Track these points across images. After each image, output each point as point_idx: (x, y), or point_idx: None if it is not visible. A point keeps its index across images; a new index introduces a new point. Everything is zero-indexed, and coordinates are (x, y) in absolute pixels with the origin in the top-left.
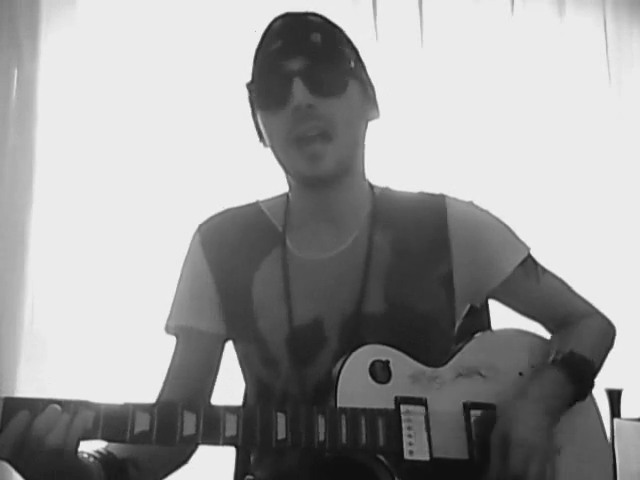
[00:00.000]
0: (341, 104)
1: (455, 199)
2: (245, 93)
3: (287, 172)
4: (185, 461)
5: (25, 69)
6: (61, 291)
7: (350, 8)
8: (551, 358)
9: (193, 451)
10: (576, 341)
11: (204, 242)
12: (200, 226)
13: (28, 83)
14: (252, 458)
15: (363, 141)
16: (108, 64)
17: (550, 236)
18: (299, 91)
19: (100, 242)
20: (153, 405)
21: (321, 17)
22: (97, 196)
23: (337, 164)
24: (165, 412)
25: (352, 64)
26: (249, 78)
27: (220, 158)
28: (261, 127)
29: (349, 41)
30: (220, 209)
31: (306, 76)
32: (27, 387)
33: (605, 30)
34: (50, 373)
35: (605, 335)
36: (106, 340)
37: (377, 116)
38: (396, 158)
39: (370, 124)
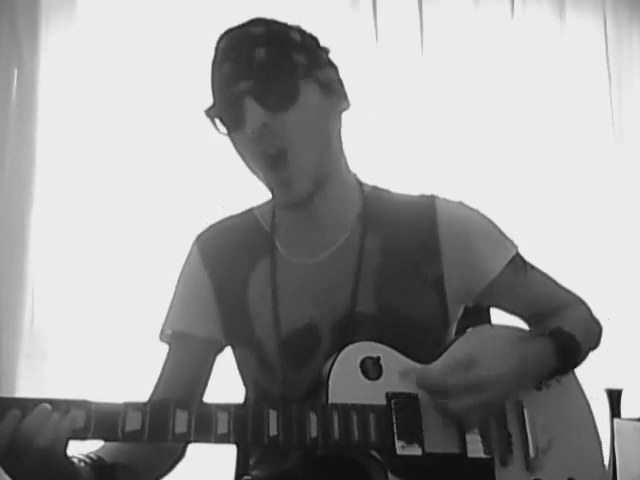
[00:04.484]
0: (296, 114)
1: (445, 200)
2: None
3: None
4: (176, 462)
5: (25, 69)
6: (61, 290)
7: (350, 11)
8: (539, 332)
9: (184, 451)
10: (563, 321)
11: (203, 251)
12: (199, 236)
13: (28, 83)
14: (252, 459)
15: (337, 136)
16: (108, 63)
17: (547, 236)
18: (252, 110)
19: (100, 242)
20: (145, 403)
21: (265, 22)
22: (97, 196)
23: (308, 183)
24: (157, 410)
25: (304, 67)
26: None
27: (220, 159)
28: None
29: (301, 40)
30: (217, 218)
31: (257, 93)
32: (27, 386)
33: (605, 32)
34: (50, 372)
35: (590, 325)
36: (106, 339)
37: (347, 107)
38: (395, 160)
39: (370, 125)
